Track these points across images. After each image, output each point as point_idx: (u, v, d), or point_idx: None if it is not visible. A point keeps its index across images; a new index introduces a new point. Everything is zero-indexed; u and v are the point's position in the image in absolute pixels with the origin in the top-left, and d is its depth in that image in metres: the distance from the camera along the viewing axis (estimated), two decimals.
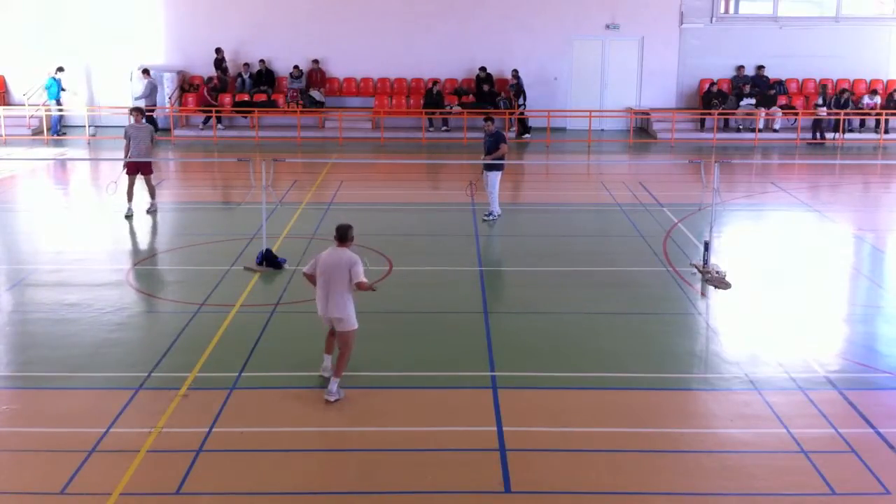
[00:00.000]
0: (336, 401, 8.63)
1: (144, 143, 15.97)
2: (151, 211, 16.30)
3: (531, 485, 7.28)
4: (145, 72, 25.28)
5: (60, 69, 25.41)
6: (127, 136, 16.14)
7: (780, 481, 7.34)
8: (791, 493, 7.18)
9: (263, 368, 9.46)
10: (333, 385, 8.68)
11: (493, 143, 15.66)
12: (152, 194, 16.43)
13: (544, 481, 7.33)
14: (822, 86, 25.88)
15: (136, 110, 16.82)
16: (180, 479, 7.27)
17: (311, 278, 8.88)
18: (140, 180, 16.23)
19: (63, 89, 25.57)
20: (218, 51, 25.98)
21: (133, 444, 7.79)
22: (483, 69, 25.82)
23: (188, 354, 9.75)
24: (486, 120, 16.14)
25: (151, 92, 25.04)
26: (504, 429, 8.14)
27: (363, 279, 8.65)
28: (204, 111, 25.57)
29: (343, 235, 8.82)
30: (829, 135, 24.98)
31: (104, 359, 9.81)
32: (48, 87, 25.42)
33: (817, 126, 25.04)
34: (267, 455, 7.71)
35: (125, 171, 16.10)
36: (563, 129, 26.53)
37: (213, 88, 25.73)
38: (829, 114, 25.13)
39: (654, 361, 9.73)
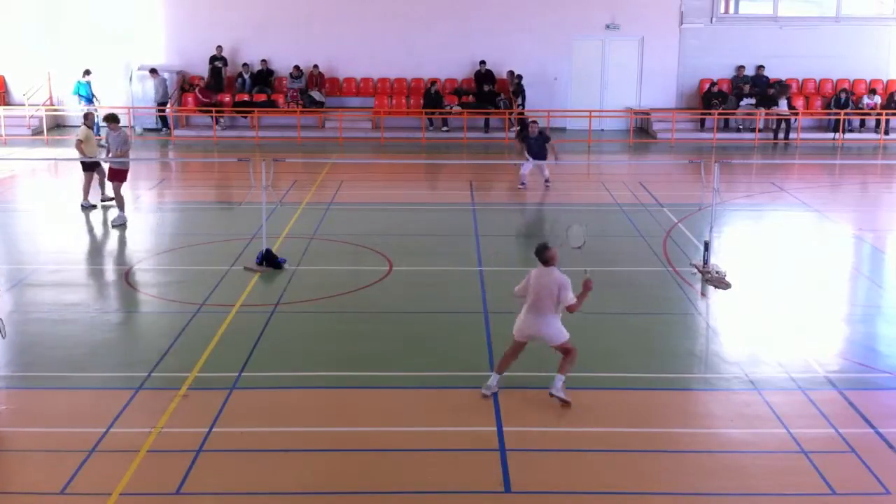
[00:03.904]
0: (557, 398, 8.52)
1: (114, 150, 15.47)
2: (118, 225, 15.30)
3: (531, 485, 7.29)
4: (153, 71, 25.33)
5: (87, 72, 25.25)
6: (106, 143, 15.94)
7: (780, 481, 7.34)
8: (791, 493, 7.19)
9: (263, 368, 9.46)
10: (559, 381, 8.58)
11: (545, 142, 18.21)
12: (120, 205, 15.53)
13: (544, 481, 7.34)
14: (784, 86, 25.87)
15: (109, 118, 15.78)
16: (180, 479, 7.27)
17: (521, 296, 8.80)
18: (109, 183, 15.86)
19: (93, 95, 25.40)
20: (218, 48, 25.98)
21: (133, 444, 7.79)
22: (482, 63, 25.85)
23: (188, 354, 9.75)
24: (533, 122, 18.44)
25: (163, 90, 25.25)
26: (504, 429, 8.14)
27: (572, 302, 8.55)
28: (204, 111, 25.56)
29: (543, 258, 8.67)
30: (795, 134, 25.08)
31: (104, 359, 9.82)
32: (77, 92, 25.31)
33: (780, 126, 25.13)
34: (267, 455, 7.71)
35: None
36: (563, 129, 26.52)
37: (207, 86, 25.71)
38: (829, 114, 25.22)
39: (654, 361, 9.72)
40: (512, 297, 8.96)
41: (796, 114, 25.24)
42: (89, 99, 25.22)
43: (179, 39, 26.42)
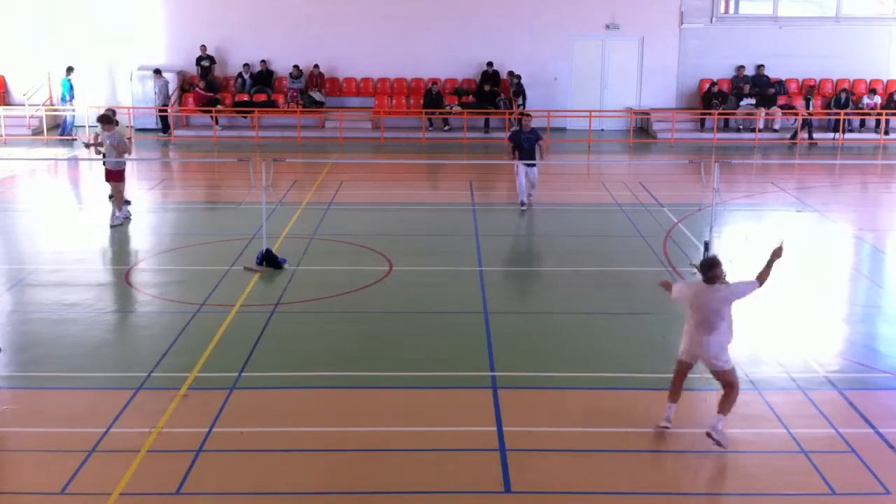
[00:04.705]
0: (717, 443, 7.70)
1: (110, 152, 15.27)
2: (114, 226, 15.22)
3: (531, 485, 7.28)
4: (157, 72, 25.33)
5: (70, 69, 25.20)
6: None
7: (780, 481, 7.34)
8: (791, 494, 7.18)
9: (263, 368, 9.46)
10: (720, 423, 7.77)
11: (535, 140, 16.69)
12: (118, 205, 15.43)
13: (544, 481, 7.33)
14: (809, 87, 25.92)
15: (103, 119, 15.58)
16: (180, 479, 7.27)
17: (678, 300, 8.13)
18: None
19: (72, 93, 25.28)
20: (202, 48, 25.95)
21: (133, 444, 7.79)
22: (490, 64, 25.90)
23: (188, 354, 9.75)
24: (527, 115, 17.22)
25: (165, 91, 25.28)
26: (504, 429, 8.14)
27: (753, 282, 7.86)
28: (204, 111, 25.55)
29: (707, 277, 7.79)
30: (829, 135, 25.07)
31: (104, 359, 9.82)
32: (65, 92, 25.25)
33: (806, 126, 25.05)
34: (267, 455, 7.71)
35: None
36: (563, 129, 26.52)
37: (208, 86, 25.76)
38: (829, 114, 25.25)
39: (653, 361, 9.70)
40: (670, 298, 8.29)
41: (795, 114, 25.23)
42: (69, 97, 25.12)
43: (179, 39, 26.40)
